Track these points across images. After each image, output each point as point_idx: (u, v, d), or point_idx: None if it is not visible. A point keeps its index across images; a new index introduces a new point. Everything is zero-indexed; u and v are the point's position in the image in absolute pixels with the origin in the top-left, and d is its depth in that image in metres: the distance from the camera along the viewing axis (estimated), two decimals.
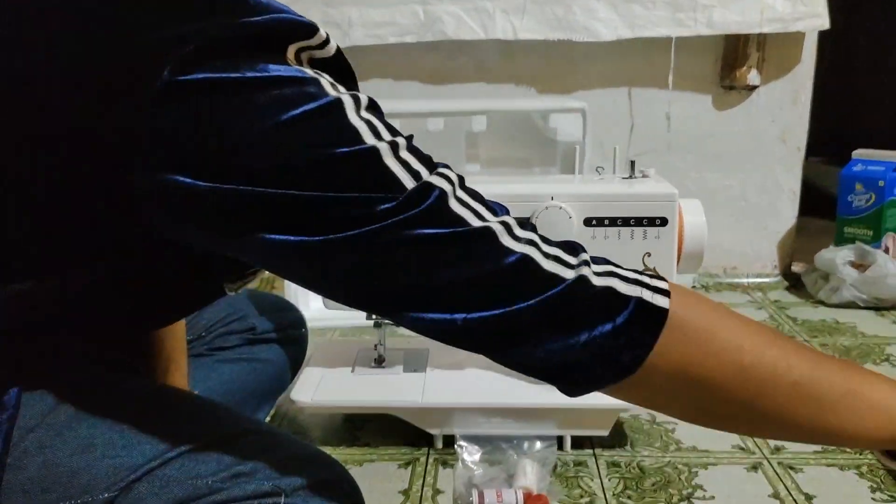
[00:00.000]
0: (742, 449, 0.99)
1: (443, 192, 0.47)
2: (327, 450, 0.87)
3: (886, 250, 1.63)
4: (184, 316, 0.70)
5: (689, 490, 0.90)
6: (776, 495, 0.88)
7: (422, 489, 0.91)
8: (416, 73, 1.67)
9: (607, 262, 0.52)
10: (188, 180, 0.45)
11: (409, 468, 0.95)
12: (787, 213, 1.73)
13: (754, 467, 0.94)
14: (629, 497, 0.88)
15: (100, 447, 0.53)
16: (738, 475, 0.93)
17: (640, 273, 0.51)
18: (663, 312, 0.49)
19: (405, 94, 1.65)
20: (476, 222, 0.48)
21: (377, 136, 0.47)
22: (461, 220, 0.48)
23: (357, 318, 1.42)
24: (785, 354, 0.50)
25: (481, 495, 0.84)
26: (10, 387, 0.54)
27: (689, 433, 1.03)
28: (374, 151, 0.47)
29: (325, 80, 0.48)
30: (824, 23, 1.60)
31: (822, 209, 1.93)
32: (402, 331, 1.09)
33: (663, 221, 0.92)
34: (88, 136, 0.47)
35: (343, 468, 0.61)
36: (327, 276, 0.49)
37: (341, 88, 0.49)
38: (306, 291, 1.53)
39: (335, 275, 0.48)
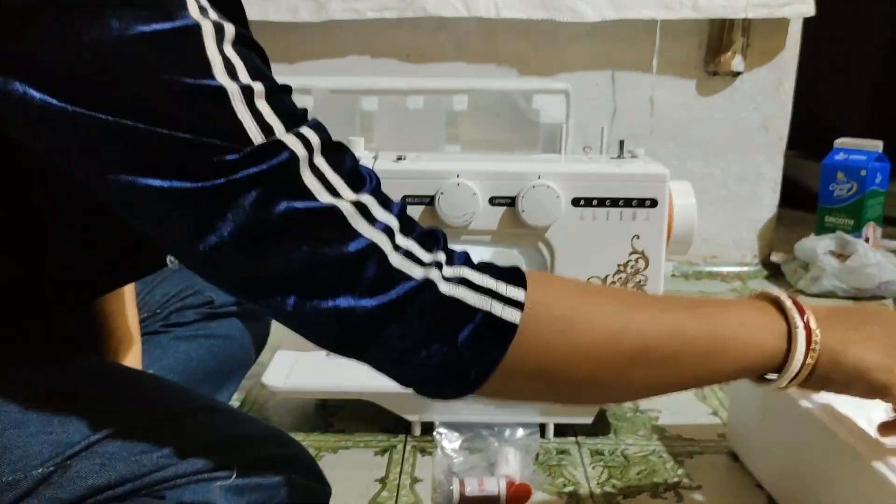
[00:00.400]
0: (726, 437, 0.97)
1: (293, 157, 0.42)
2: (299, 436, 0.83)
3: (867, 240, 1.63)
4: (128, 282, 0.66)
5: (675, 479, 0.87)
6: (761, 484, 0.86)
7: (399, 477, 0.87)
8: (395, 51, 1.62)
9: (465, 261, 0.48)
10: (22, 88, 0.40)
11: (386, 456, 0.91)
12: (767, 201, 1.72)
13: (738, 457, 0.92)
14: (613, 486, 0.86)
15: (34, 423, 0.49)
16: (724, 464, 0.91)
17: (498, 276, 0.47)
18: (511, 328, 0.46)
19: (383, 72, 1.61)
20: (325, 198, 0.43)
21: (232, 75, 0.42)
22: (306, 193, 0.42)
23: None
24: (644, 334, 0.49)
25: (462, 483, 0.80)
26: None
27: (674, 422, 1.00)
28: (222, 91, 0.41)
29: (194, 2, 0.42)
30: (809, 10, 1.58)
31: (800, 202, 1.92)
32: None
33: (653, 203, 0.89)
34: None
35: (302, 447, 0.58)
36: (160, 229, 0.44)
37: (212, 14, 0.43)
38: None
39: (167, 229, 0.43)
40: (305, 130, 0.44)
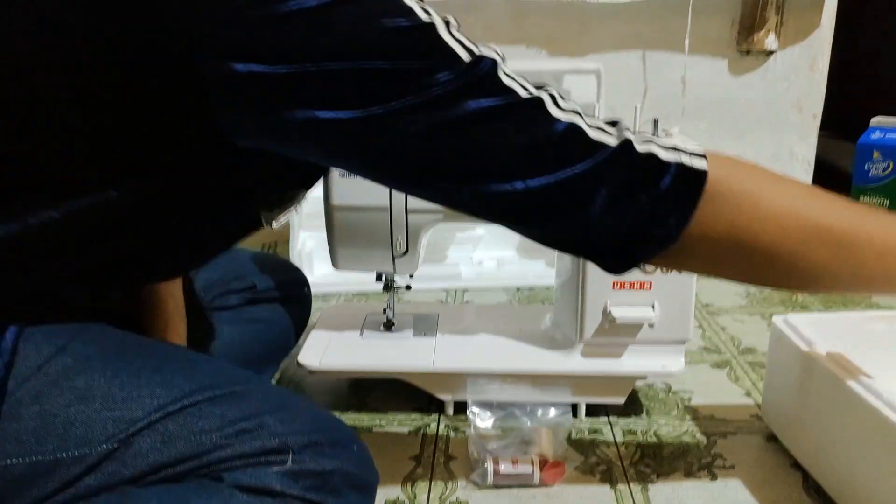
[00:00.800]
0: (759, 419, 0.96)
1: (494, 64, 0.49)
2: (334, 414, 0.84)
3: None
4: (217, 252, 0.69)
5: (709, 459, 0.87)
6: (797, 465, 0.86)
7: (433, 455, 0.88)
8: None
9: (644, 133, 0.54)
10: (251, 66, 0.45)
11: (420, 434, 0.93)
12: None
13: (773, 437, 0.92)
14: (647, 465, 0.86)
15: (98, 399, 0.51)
16: (758, 444, 0.91)
17: (677, 142, 0.54)
18: (702, 174, 0.51)
19: None
20: (525, 93, 0.50)
21: (428, 13, 0.49)
22: (512, 91, 0.49)
23: (363, 283, 1.38)
24: (826, 214, 0.53)
25: (496, 462, 0.81)
26: (7, 333, 0.51)
27: (706, 402, 1.00)
28: (432, 26, 0.48)
29: None
30: None
31: (831, 183, 1.89)
32: (411, 295, 1.05)
33: None
34: (148, 34, 0.47)
35: (352, 430, 0.59)
36: (385, 154, 0.49)
37: None
38: (310, 255, 1.50)
39: (393, 151, 0.49)
40: (487, 47, 0.51)
